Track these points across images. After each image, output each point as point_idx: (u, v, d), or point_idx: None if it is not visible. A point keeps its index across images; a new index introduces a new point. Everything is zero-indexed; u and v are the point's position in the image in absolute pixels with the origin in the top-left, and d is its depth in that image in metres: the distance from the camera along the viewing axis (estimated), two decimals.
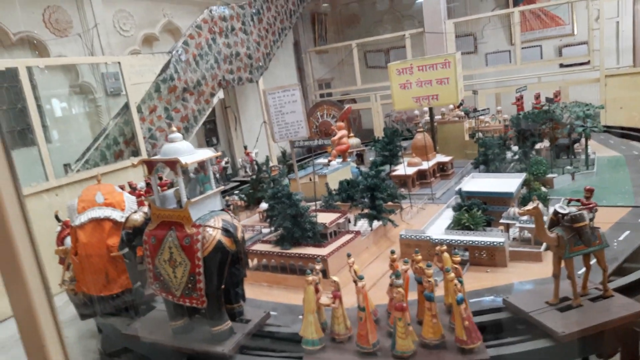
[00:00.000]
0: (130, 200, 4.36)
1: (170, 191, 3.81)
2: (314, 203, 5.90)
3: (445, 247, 3.50)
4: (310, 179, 7.86)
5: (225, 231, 3.56)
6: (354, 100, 15.04)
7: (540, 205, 3.36)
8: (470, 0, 14.61)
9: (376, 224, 5.56)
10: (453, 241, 4.59)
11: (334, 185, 6.79)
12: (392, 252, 3.63)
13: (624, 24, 12.54)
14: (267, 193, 6.09)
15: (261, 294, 4.54)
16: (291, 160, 7.79)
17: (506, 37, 14.39)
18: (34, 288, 1.47)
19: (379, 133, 13.61)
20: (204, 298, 3.48)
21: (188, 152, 3.56)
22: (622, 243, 4.46)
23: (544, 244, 4.52)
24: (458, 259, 3.37)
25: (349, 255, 3.55)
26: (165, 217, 3.61)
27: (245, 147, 9.79)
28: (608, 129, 9.11)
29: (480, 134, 8.35)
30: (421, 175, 7.36)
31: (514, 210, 4.93)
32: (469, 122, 8.94)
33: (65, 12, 8.93)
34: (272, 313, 4.09)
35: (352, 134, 9.01)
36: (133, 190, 6.58)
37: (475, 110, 9.54)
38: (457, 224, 4.90)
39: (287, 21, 13.24)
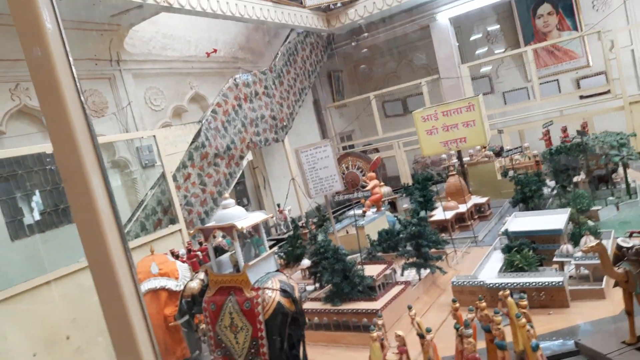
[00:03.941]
0: (183, 269, 4.43)
1: (225, 256, 3.87)
2: (357, 256, 5.88)
3: (508, 292, 3.42)
4: (347, 232, 7.86)
5: (284, 292, 3.56)
6: (376, 150, 15.23)
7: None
8: (479, 42, 15.00)
9: (423, 272, 5.48)
10: (509, 284, 4.47)
11: (373, 236, 6.78)
12: (454, 301, 3.56)
13: (638, 52, 12.65)
14: (309, 249, 6.10)
15: (319, 354, 4.44)
16: (327, 214, 7.85)
17: (521, 75, 14.59)
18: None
19: (405, 180, 13.66)
20: None
21: (242, 216, 3.64)
22: None
23: (605, 279, 4.37)
24: (525, 303, 3.28)
25: (409, 308, 3.49)
26: (224, 282, 3.64)
27: (279, 205, 9.91)
28: None
29: (512, 172, 8.32)
30: (459, 219, 7.29)
31: (566, 247, 4.82)
32: (499, 161, 8.93)
33: (101, 94, 9.49)
34: None
35: (382, 183, 9.07)
36: (175, 257, 6.68)
37: (501, 149, 9.57)
38: (510, 266, 4.80)
39: (306, 81, 13.75)
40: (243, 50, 13.30)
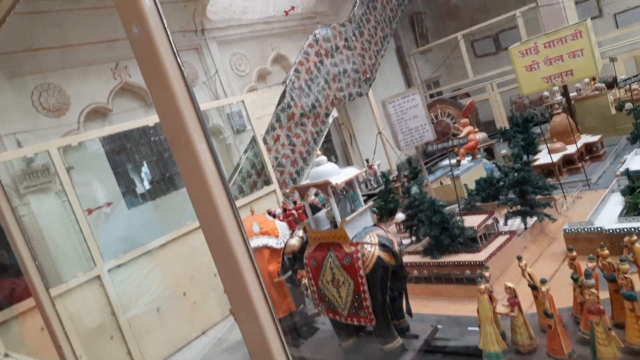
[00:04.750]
0: (282, 227, 4.56)
1: (322, 213, 3.89)
2: (455, 207, 5.64)
3: (635, 237, 3.05)
4: (441, 183, 7.58)
5: (383, 246, 3.51)
6: (467, 94, 14.33)
7: None
8: None
9: (530, 221, 5.12)
10: (633, 229, 4.01)
11: (470, 186, 6.46)
12: (571, 250, 3.27)
13: None
14: (402, 203, 5.98)
15: (421, 306, 4.39)
16: (418, 166, 7.60)
17: None
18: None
19: (501, 123, 12.77)
20: (372, 316, 3.45)
21: (336, 172, 3.60)
22: None
23: None
24: None
25: (519, 258, 3.27)
26: (322, 238, 3.68)
27: (367, 161, 9.81)
28: None
29: (630, 104, 7.36)
30: (567, 161, 6.66)
31: None
32: (613, 94, 7.93)
33: (190, 65, 9.88)
34: (438, 326, 3.93)
35: (477, 129, 8.54)
36: (273, 216, 6.94)
37: (615, 79, 8.50)
38: (633, 209, 4.29)
39: (387, 28, 13.15)
40: (321, 4, 12.98)
